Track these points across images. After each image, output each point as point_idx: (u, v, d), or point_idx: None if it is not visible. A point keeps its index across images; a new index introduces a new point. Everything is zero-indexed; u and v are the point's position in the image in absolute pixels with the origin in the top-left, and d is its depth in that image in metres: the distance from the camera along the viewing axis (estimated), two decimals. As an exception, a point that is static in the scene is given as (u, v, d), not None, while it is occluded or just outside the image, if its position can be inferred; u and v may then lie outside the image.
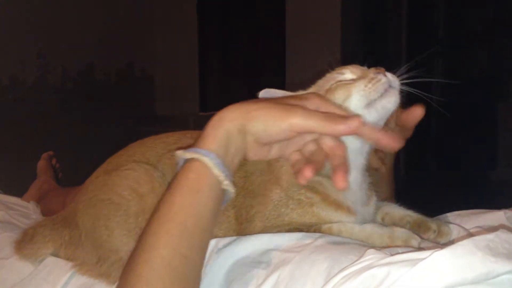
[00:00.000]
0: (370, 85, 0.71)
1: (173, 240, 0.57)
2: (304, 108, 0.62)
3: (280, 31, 3.75)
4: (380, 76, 0.72)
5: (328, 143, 0.64)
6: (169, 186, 0.62)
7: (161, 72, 4.28)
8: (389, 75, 0.73)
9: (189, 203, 0.59)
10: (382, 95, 0.71)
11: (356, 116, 0.62)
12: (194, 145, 0.63)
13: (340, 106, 0.68)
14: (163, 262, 0.55)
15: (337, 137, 0.64)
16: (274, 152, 0.67)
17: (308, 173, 0.60)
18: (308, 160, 0.64)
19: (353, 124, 0.60)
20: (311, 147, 0.66)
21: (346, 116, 0.62)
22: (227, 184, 0.61)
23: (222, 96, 4.32)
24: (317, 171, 0.62)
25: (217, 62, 4.34)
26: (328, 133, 0.62)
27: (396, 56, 3.73)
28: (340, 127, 0.60)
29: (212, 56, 4.33)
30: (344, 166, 0.62)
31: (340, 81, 0.76)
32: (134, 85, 4.03)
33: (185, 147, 0.64)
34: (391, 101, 0.71)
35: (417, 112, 0.82)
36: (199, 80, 4.27)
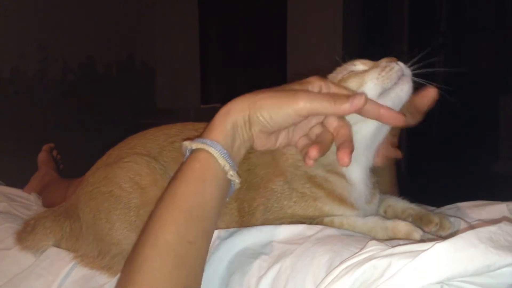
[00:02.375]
0: (383, 73, 0.71)
1: (179, 227, 0.58)
2: (307, 92, 0.63)
3: (281, 24, 3.73)
4: (393, 64, 0.71)
5: (333, 123, 0.65)
6: (175, 175, 0.62)
7: (162, 64, 4.27)
8: (401, 63, 0.72)
9: (194, 192, 0.60)
10: (396, 83, 0.71)
11: (360, 93, 0.62)
12: (201, 136, 0.63)
13: (342, 86, 0.68)
14: (169, 247, 0.57)
15: (342, 117, 0.65)
16: (281, 140, 0.68)
17: (314, 153, 0.61)
18: (315, 142, 0.65)
19: (356, 102, 0.60)
20: (317, 130, 0.67)
21: (350, 94, 0.62)
22: (232, 175, 0.62)
23: (223, 89, 4.31)
24: (323, 152, 0.63)
25: (218, 54, 4.33)
26: (333, 113, 0.62)
27: (398, 50, 3.71)
28: (345, 106, 0.61)
29: (213, 48, 4.31)
30: (348, 143, 0.63)
31: (353, 71, 0.76)
32: (135, 78, 4.02)
33: (191, 138, 0.64)
34: (405, 89, 0.71)
35: (430, 94, 0.79)
36: (200, 73, 4.25)
